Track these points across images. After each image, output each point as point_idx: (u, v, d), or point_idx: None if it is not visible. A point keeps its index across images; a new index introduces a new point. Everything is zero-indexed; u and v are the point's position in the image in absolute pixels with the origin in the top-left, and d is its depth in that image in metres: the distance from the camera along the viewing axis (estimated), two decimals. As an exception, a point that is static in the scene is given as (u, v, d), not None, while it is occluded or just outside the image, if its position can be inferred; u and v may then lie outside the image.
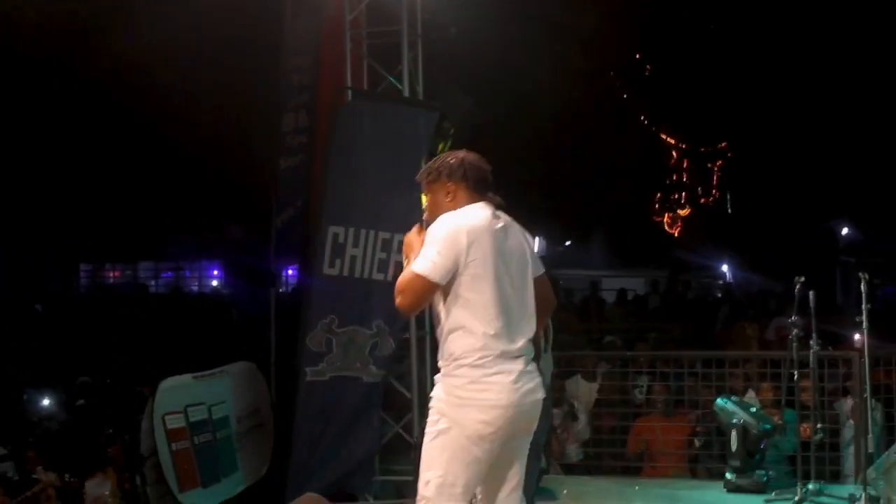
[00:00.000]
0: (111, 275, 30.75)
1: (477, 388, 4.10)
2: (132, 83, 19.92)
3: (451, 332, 4.19)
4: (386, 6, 8.41)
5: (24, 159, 21.70)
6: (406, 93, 8.39)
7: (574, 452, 9.10)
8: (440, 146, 8.08)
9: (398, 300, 4.22)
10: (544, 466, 7.27)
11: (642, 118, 23.97)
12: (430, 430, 4.19)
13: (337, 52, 8.38)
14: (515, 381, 4.15)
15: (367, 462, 7.50)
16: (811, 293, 7.14)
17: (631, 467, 8.81)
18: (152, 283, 28.19)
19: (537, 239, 29.40)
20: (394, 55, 8.50)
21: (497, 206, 4.41)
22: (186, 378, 7.52)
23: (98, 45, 18.79)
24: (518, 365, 4.18)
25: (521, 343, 4.22)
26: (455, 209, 4.30)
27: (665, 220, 25.60)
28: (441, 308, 4.24)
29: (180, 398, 7.26)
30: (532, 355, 4.28)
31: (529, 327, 4.30)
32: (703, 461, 8.64)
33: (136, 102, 20.41)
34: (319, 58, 8.45)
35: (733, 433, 7.53)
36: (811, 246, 20.29)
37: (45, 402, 9.08)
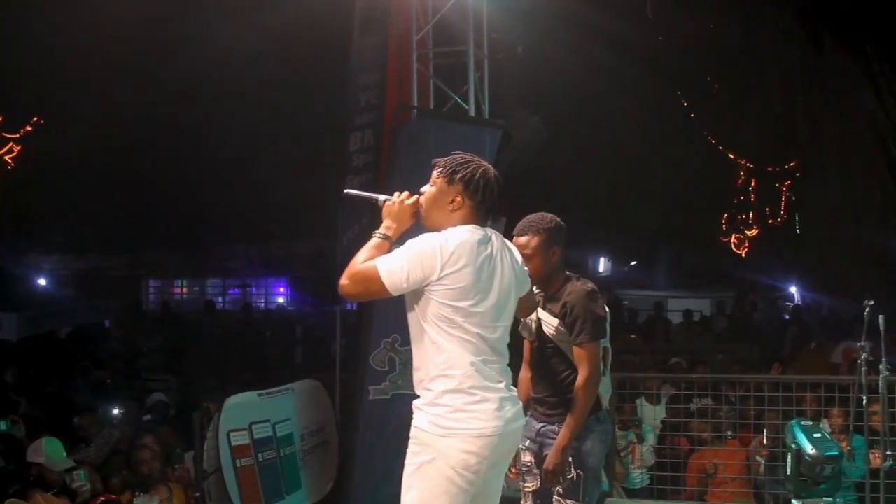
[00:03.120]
0: (179, 291, 31.14)
1: (462, 418, 3.93)
2: (198, 101, 20.22)
3: (430, 353, 4.01)
4: (453, 26, 8.46)
5: (94, 176, 22.14)
6: (472, 112, 8.44)
7: (638, 477, 9.01)
8: None
9: (344, 282, 3.97)
10: (606, 489, 7.22)
11: (709, 138, 23.74)
12: (412, 460, 4.02)
13: (403, 72, 8.44)
14: (500, 409, 3.98)
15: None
16: (881, 317, 7.01)
17: (695, 492, 8.71)
18: (219, 299, 28.50)
19: (602, 259, 29.38)
20: (460, 74, 8.55)
21: (496, 228, 4.21)
22: (252, 395, 7.59)
23: (164, 64, 19.11)
24: (500, 390, 4.02)
25: (501, 369, 4.08)
26: (451, 219, 4.07)
27: (732, 240, 25.30)
28: (416, 322, 4.05)
29: (245, 415, 7.32)
30: (510, 380, 4.14)
31: (506, 353, 4.15)
32: (770, 487, 8.51)
33: (204, 121, 20.71)
34: (386, 77, 8.50)
35: (788, 456, 7.47)
36: (882, 267, 19.94)
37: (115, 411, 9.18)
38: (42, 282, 25.62)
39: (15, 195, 22.79)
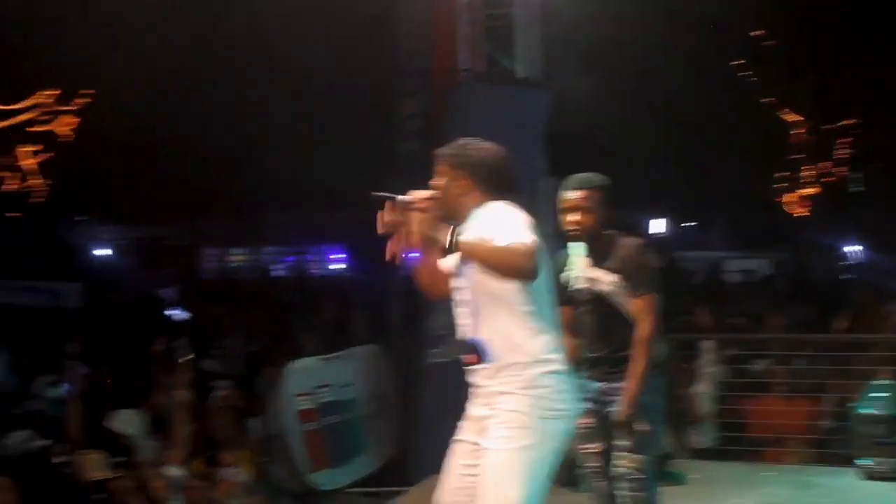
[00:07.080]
0: (235, 259, 31.30)
1: (563, 398, 3.90)
2: (255, 68, 20.28)
3: (527, 337, 3.91)
4: (502, -13, 8.39)
5: (150, 146, 22.32)
6: (522, 74, 8.36)
7: (701, 437, 8.97)
8: None
9: (523, 261, 3.68)
10: (669, 451, 7.19)
11: (765, 95, 23.41)
12: (506, 446, 3.85)
13: (452, 35, 8.38)
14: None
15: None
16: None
17: (759, 452, 8.65)
18: (276, 267, 28.61)
19: (658, 220, 29.09)
20: (510, 37, 8.48)
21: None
22: (314, 360, 7.64)
23: (220, 32, 19.16)
24: None
25: None
26: (464, 203, 4.02)
27: (790, 199, 24.98)
28: (508, 305, 3.91)
29: (309, 380, 7.38)
30: None
31: None
32: (836, 447, 8.43)
33: (262, 88, 20.77)
34: (434, 40, 8.45)
35: (852, 416, 7.50)
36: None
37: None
38: (102, 252, 25.95)
39: (73, 167, 23.05)
